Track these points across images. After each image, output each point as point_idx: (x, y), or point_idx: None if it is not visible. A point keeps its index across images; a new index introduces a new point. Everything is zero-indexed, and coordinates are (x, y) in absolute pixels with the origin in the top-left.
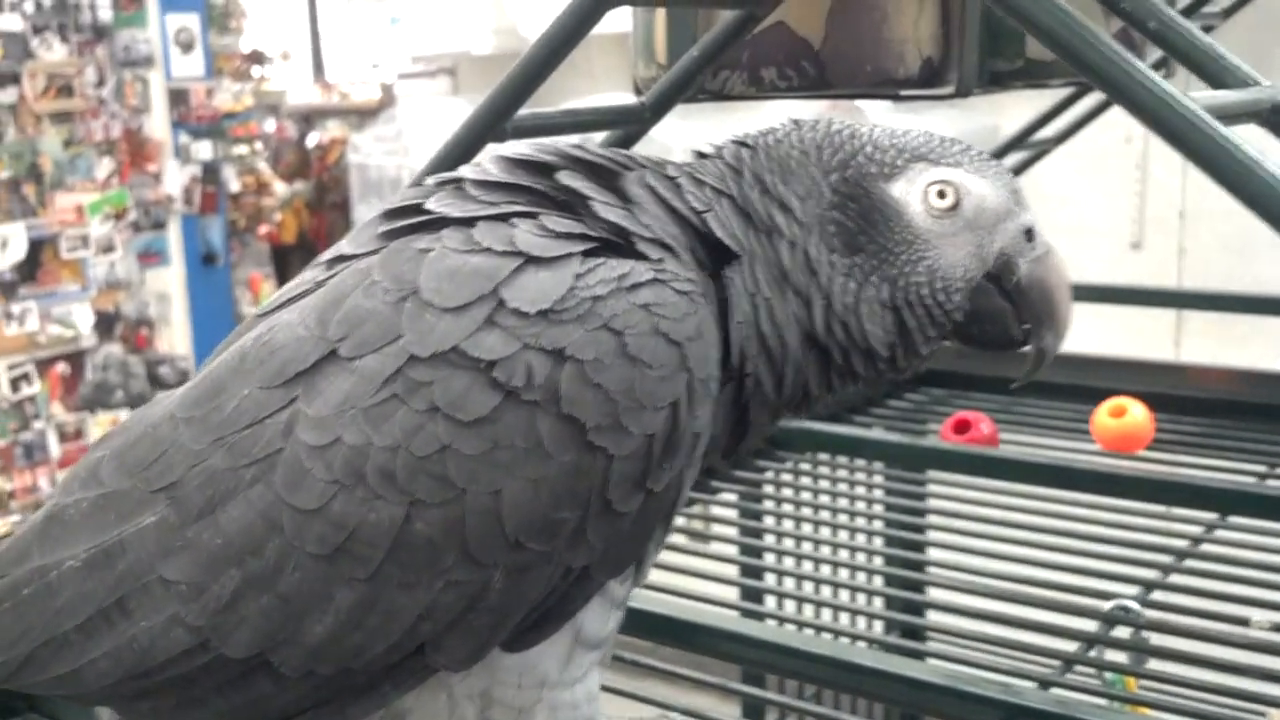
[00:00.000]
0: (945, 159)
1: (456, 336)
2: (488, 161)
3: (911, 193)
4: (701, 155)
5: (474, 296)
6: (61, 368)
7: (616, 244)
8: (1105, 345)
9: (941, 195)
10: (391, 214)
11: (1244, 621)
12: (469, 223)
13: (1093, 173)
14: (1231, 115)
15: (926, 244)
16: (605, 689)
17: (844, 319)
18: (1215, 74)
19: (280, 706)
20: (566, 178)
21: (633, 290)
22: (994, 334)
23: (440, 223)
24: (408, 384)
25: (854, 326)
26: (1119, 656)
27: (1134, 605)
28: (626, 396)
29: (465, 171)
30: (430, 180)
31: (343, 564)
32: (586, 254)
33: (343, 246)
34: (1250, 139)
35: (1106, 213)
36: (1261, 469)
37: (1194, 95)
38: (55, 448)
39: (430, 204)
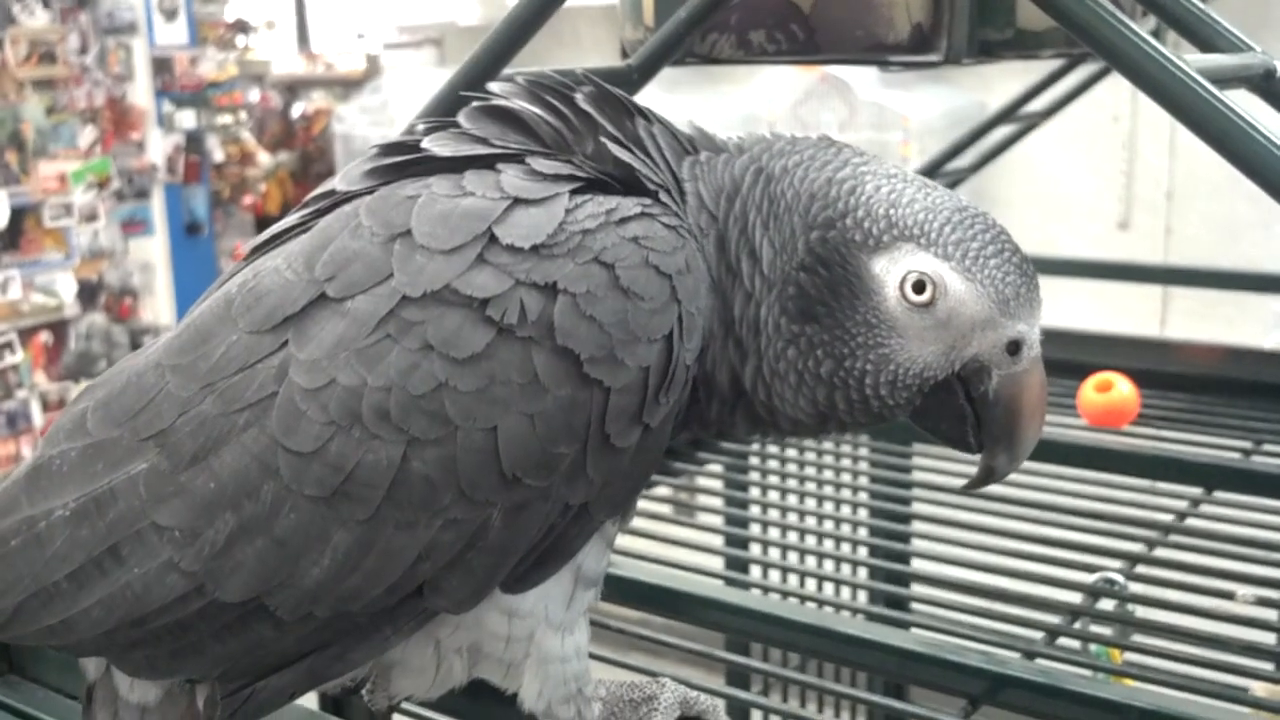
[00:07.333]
0: (939, 245)
1: (448, 275)
2: (497, 85)
3: (891, 274)
4: (720, 149)
5: (468, 237)
6: (44, 337)
7: (604, 183)
8: (1092, 324)
9: (918, 289)
10: (384, 150)
11: (1228, 595)
12: (456, 169)
13: (1080, 152)
14: (1224, 80)
15: (890, 332)
16: (591, 656)
17: (770, 383)
18: (1207, 38)
19: (279, 651)
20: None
21: (621, 224)
22: (948, 433)
23: (427, 164)
24: (400, 324)
25: (778, 391)
26: (1105, 629)
27: (1119, 578)
28: (620, 329)
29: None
30: (421, 125)
31: (341, 506)
32: (574, 192)
33: (334, 182)
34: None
35: (1094, 192)
36: (1247, 445)
37: (1187, 58)
38: (39, 417)
39: (425, 142)
